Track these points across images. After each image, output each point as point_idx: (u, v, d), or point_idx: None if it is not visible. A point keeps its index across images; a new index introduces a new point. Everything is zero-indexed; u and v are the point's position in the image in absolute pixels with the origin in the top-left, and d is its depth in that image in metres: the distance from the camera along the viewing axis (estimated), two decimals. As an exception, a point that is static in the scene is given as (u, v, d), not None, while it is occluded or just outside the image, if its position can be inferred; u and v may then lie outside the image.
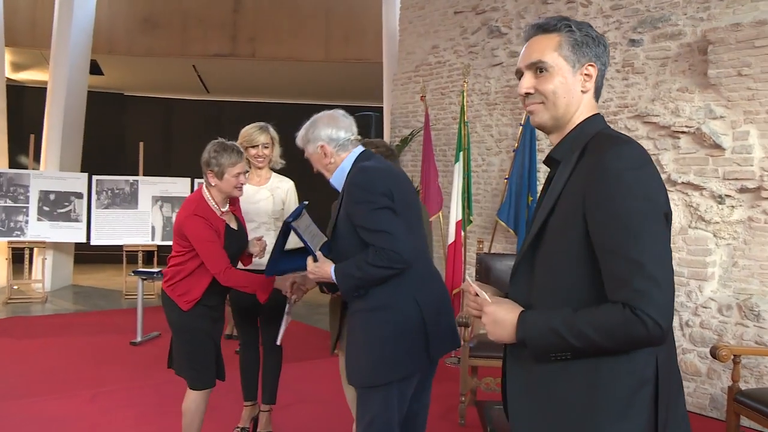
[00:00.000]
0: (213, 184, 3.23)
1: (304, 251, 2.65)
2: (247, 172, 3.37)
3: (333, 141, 2.58)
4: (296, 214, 2.63)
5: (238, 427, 3.99)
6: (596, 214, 1.47)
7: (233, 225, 3.38)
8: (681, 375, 1.60)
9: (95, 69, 11.78)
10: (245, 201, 3.73)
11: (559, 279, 1.54)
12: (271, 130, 3.91)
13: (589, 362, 1.48)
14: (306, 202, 2.71)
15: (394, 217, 2.39)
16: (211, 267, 3.16)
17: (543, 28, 1.66)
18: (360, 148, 2.63)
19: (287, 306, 3.80)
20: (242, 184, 3.28)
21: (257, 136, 3.82)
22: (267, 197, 3.87)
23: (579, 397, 1.49)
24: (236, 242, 3.33)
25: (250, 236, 3.68)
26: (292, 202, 3.94)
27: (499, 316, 1.58)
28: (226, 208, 3.34)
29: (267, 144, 3.85)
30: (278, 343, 3.76)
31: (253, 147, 3.82)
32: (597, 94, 1.68)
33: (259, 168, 3.89)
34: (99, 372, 5.44)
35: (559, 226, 1.54)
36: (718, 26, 4.56)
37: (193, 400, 3.34)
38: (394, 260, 2.33)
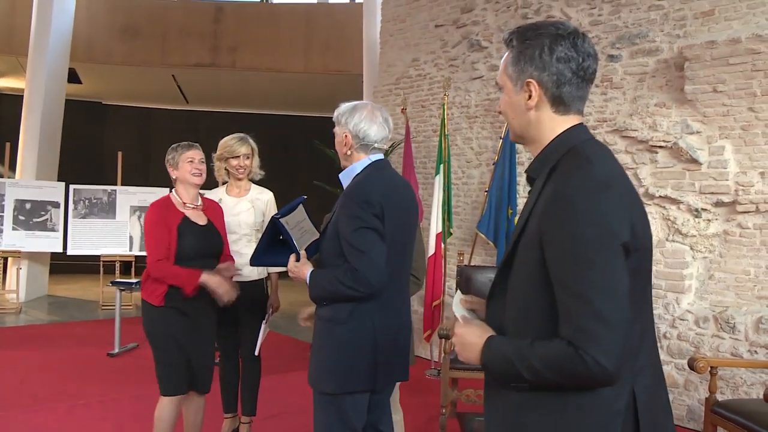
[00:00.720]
0: (174, 177, 3.41)
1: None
2: (203, 161, 3.44)
3: (358, 137, 2.52)
4: (290, 208, 2.59)
5: (218, 440, 3.96)
6: (549, 240, 1.39)
7: (199, 221, 3.39)
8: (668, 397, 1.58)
9: (73, 77, 11.67)
10: (226, 213, 3.72)
11: (523, 303, 1.49)
12: (251, 140, 3.90)
13: (558, 395, 1.41)
14: (304, 197, 2.66)
15: (378, 241, 2.37)
16: (147, 255, 3.27)
17: (504, 43, 1.59)
18: (378, 156, 2.57)
19: (266, 316, 3.78)
20: (198, 170, 3.38)
21: (238, 147, 3.81)
22: (248, 209, 3.85)
23: (548, 429, 1.44)
24: (196, 238, 3.32)
25: (232, 248, 3.67)
26: (272, 213, 3.93)
27: (467, 340, 1.54)
28: (195, 203, 3.41)
29: (248, 155, 3.84)
30: (256, 353, 3.75)
31: (234, 158, 3.81)
32: (562, 105, 1.52)
33: (240, 179, 3.88)
34: (75, 384, 5.37)
35: (525, 248, 1.48)
36: (694, 43, 4.65)
37: (163, 407, 3.33)
38: (362, 284, 2.33)
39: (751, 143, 4.42)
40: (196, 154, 3.41)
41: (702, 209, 4.61)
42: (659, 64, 4.95)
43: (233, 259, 3.56)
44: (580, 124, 1.55)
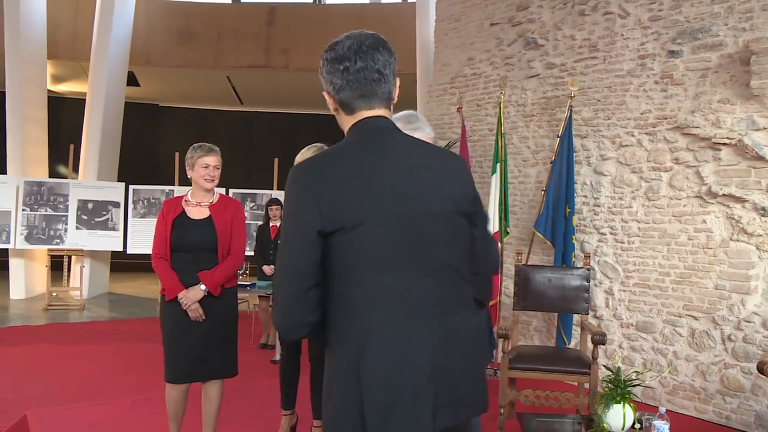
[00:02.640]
0: (189, 176, 3.61)
1: None
2: (218, 167, 3.59)
3: None
4: None
5: (275, 436, 4.01)
6: None
7: (196, 215, 3.55)
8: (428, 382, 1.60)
9: (132, 80, 12.00)
10: None
11: None
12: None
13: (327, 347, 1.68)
14: None
15: None
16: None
17: None
18: None
19: None
20: (211, 177, 3.55)
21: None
22: None
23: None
24: (184, 231, 3.50)
25: None
26: None
27: None
28: (203, 201, 3.59)
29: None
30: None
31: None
32: (344, 108, 1.75)
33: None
34: (136, 379, 5.51)
35: None
36: (761, 36, 4.51)
37: (167, 393, 3.60)
38: None
39: (822, 140, 4.27)
40: (212, 160, 3.57)
41: (769, 208, 4.48)
42: (723, 59, 4.81)
43: (237, 256, 3.61)
44: (369, 117, 1.74)
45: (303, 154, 3.84)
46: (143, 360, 6.16)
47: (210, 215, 3.58)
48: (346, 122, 1.76)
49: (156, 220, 3.62)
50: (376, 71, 1.71)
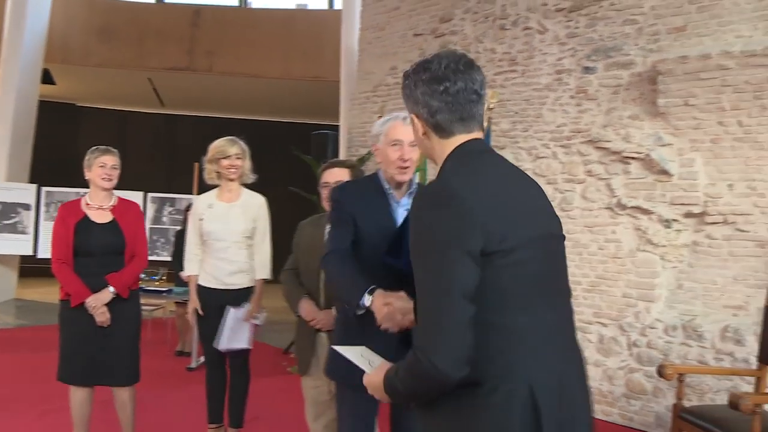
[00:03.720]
0: (87, 177, 3.58)
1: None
2: (115, 167, 3.57)
3: None
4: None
5: (198, 450, 3.92)
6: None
7: (99, 219, 3.53)
8: (585, 407, 1.62)
9: (47, 78, 11.54)
10: (216, 219, 3.74)
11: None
12: (242, 142, 3.90)
13: (449, 399, 1.47)
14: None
15: None
16: (51, 254, 3.52)
17: None
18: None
19: (243, 311, 3.71)
20: (108, 176, 3.53)
21: (228, 147, 3.81)
22: (238, 215, 3.80)
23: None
24: (90, 235, 3.48)
25: (219, 255, 3.75)
26: (264, 218, 3.89)
27: (372, 382, 1.64)
28: (104, 204, 3.56)
29: (239, 155, 3.83)
30: (221, 347, 3.73)
31: (225, 158, 3.79)
32: (439, 132, 1.63)
33: (231, 180, 3.83)
34: (45, 389, 5.28)
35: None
36: (666, 58, 4.75)
37: (70, 395, 3.59)
38: None
39: (720, 156, 4.53)
40: (109, 159, 3.56)
41: (672, 220, 4.71)
42: (633, 77, 5.05)
43: (142, 258, 3.62)
44: (468, 141, 1.62)
45: (216, 143, 3.83)
46: (52, 369, 5.87)
47: (114, 218, 3.55)
48: (438, 146, 1.63)
49: (54, 225, 3.55)
50: (474, 92, 1.60)
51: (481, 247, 1.42)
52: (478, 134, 1.63)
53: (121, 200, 3.67)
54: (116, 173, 3.58)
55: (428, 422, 1.55)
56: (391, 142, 2.49)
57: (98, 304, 3.40)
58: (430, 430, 1.56)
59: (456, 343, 1.38)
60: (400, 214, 2.50)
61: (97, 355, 3.45)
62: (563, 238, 1.67)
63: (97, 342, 3.45)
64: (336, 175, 3.09)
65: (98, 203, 3.56)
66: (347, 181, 2.89)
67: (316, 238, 3.09)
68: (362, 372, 1.72)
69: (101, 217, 3.54)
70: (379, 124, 2.57)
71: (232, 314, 3.70)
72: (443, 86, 1.58)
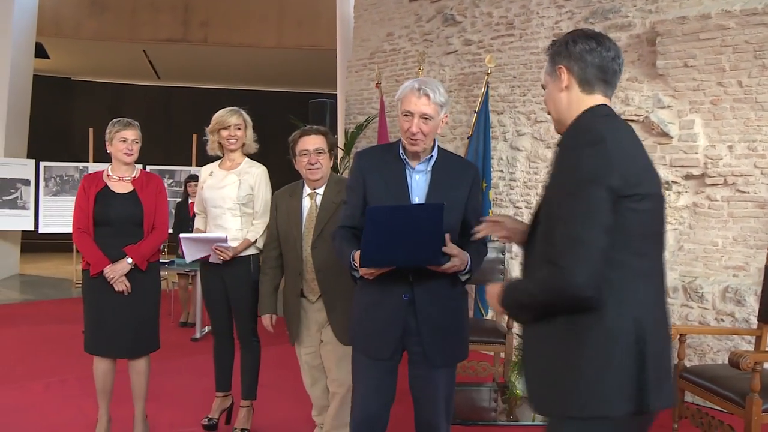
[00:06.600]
0: (108, 152, 3.56)
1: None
2: (136, 141, 3.55)
3: None
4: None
5: (206, 418, 3.93)
6: (550, 184, 1.78)
7: (118, 189, 3.54)
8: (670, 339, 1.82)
9: (41, 52, 11.43)
10: (212, 187, 3.75)
11: (542, 246, 1.75)
12: (244, 113, 3.87)
13: (567, 321, 1.68)
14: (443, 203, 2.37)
15: None
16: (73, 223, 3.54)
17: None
18: None
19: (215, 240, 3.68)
20: (129, 150, 3.51)
21: (228, 117, 3.78)
22: (233, 182, 3.77)
23: (563, 352, 1.70)
24: (108, 205, 3.47)
25: (215, 222, 3.76)
26: (263, 187, 3.87)
27: (491, 291, 1.89)
28: (125, 176, 3.56)
29: (239, 125, 3.80)
30: (188, 261, 3.78)
31: (225, 128, 3.77)
32: (584, 86, 1.82)
33: (232, 150, 3.82)
34: (51, 362, 5.35)
35: (547, 202, 1.79)
36: (665, 18, 4.70)
37: (93, 364, 3.59)
38: None
39: (720, 117, 4.51)
40: (130, 134, 3.53)
41: (672, 182, 4.71)
42: (632, 39, 5.00)
43: (161, 231, 3.60)
44: (602, 105, 1.82)
45: (218, 114, 3.81)
46: (57, 342, 5.98)
47: (134, 189, 3.56)
48: (576, 100, 1.82)
49: (75, 196, 3.55)
50: (619, 64, 1.83)
51: (619, 189, 1.62)
52: (608, 101, 1.84)
53: (143, 173, 3.67)
54: (137, 147, 3.57)
55: (539, 337, 1.78)
56: (404, 113, 2.53)
57: (115, 275, 3.40)
58: (539, 344, 1.78)
59: (594, 266, 1.59)
60: (415, 180, 2.58)
61: (119, 324, 3.46)
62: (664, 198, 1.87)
63: (118, 311, 3.45)
64: (314, 142, 3.27)
65: (119, 174, 3.57)
66: (371, 147, 3.15)
67: (293, 207, 3.33)
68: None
69: (121, 187, 3.55)
70: (399, 90, 2.60)
71: (210, 237, 3.69)
72: (602, 48, 1.80)
